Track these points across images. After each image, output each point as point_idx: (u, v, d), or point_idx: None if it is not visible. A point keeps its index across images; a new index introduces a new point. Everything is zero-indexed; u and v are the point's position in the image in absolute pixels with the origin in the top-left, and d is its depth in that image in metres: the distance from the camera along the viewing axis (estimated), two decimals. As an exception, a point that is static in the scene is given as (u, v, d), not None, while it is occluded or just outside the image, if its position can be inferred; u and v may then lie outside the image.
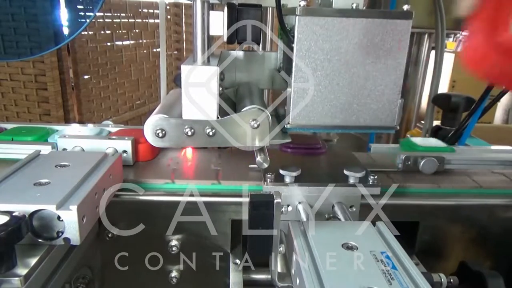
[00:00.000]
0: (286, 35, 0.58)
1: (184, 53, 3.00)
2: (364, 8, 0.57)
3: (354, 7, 0.56)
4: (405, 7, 0.56)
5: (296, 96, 0.58)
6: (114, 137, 0.72)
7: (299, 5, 0.55)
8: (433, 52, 1.22)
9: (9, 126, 0.81)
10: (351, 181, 0.63)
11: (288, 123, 0.59)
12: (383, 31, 0.56)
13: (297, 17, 0.55)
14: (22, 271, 0.42)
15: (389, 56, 0.57)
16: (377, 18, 0.55)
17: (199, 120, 0.54)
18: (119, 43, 2.35)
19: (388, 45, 0.56)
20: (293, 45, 0.56)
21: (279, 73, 0.71)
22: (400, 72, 0.57)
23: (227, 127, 0.55)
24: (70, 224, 0.46)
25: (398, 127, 0.61)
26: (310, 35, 0.55)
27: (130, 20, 2.42)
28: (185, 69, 0.52)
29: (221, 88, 0.56)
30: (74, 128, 0.82)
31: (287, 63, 0.61)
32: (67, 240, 0.46)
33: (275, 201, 0.47)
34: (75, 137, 0.70)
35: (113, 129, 0.82)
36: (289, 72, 0.59)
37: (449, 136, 0.94)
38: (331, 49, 0.56)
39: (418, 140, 0.82)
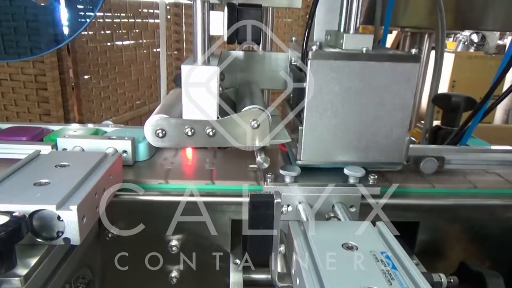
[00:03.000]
0: (299, 70, 0.60)
1: (184, 53, 3.00)
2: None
3: (364, 51, 0.59)
4: (413, 51, 0.59)
5: (307, 134, 0.60)
6: (114, 137, 0.72)
7: (312, 49, 0.57)
8: (433, 52, 1.22)
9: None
10: (351, 181, 0.63)
11: (299, 159, 0.62)
12: (392, 73, 0.58)
13: (309, 60, 0.57)
14: (22, 271, 0.42)
15: (397, 96, 0.59)
16: (386, 62, 0.58)
17: (199, 120, 0.54)
18: (119, 43, 2.35)
19: (396, 86, 0.59)
20: (304, 84, 0.59)
21: (289, 105, 0.72)
22: (407, 111, 0.60)
23: (227, 127, 0.55)
24: (70, 224, 0.46)
25: (405, 162, 0.64)
26: (321, 77, 0.58)
27: (130, 20, 2.42)
28: (185, 69, 0.52)
29: (221, 88, 0.56)
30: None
31: (298, 98, 0.64)
32: (67, 240, 0.46)
33: (275, 201, 0.47)
34: (75, 137, 0.70)
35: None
36: (300, 108, 0.62)
37: (451, 136, 0.94)
38: (341, 90, 0.59)
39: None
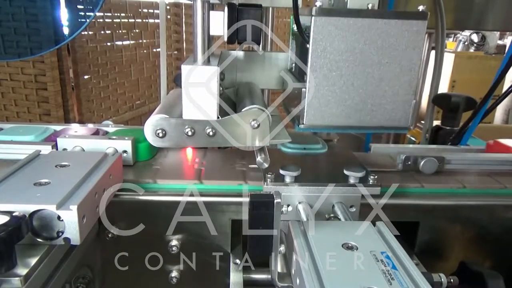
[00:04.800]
0: (302, 35, 0.58)
1: (184, 53, 3.00)
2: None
3: (369, 7, 0.56)
4: (420, 7, 0.56)
5: (310, 96, 0.58)
6: (114, 137, 0.72)
7: (315, 6, 0.55)
8: (433, 52, 1.22)
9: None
10: (351, 181, 0.63)
11: (303, 123, 0.59)
12: (398, 31, 0.56)
13: (312, 17, 0.55)
14: (22, 271, 0.42)
15: (404, 56, 0.57)
16: (392, 19, 0.55)
17: (199, 120, 0.54)
18: (119, 43, 2.35)
19: (403, 45, 0.56)
20: (308, 45, 0.56)
21: (291, 73, 0.70)
22: (414, 73, 0.58)
23: (227, 127, 0.55)
24: (70, 224, 0.46)
25: (412, 127, 0.61)
26: (325, 35, 0.56)
27: (130, 20, 2.42)
28: (185, 69, 0.52)
29: (221, 88, 0.56)
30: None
31: (300, 63, 0.62)
32: (67, 240, 0.46)
33: (275, 201, 0.47)
34: (75, 137, 0.70)
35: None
36: (302, 73, 0.59)
37: (452, 137, 0.94)
38: (346, 50, 0.56)
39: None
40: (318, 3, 0.55)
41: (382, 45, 0.56)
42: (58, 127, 0.82)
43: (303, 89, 0.58)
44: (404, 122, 0.60)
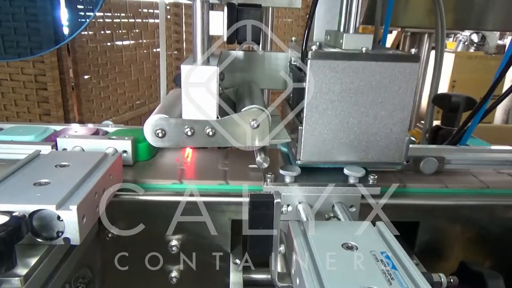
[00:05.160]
0: (299, 70, 0.60)
1: (184, 53, 3.00)
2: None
3: (363, 51, 0.58)
4: (413, 50, 0.60)
5: (307, 134, 0.60)
6: (114, 137, 0.72)
7: (311, 49, 0.57)
8: (433, 52, 1.22)
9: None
10: (351, 181, 0.63)
11: (299, 159, 0.62)
12: (391, 73, 0.58)
13: (309, 60, 0.57)
14: (22, 271, 0.42)
15: (397, 96, 0.59)
16: (385, 61, 0.58)
17: (199, 120, 0.54)
18: (119, 43, 2.35)
19: (396, 86, 0.59)
20: (304, 84, 0.58)
21: (289, 105, 0.72)
22: (407, 111, 0.60)
23: (227, 127, 0.55)
24: (70, 224, 0.46)
25: (405, 163, 0.63)
26: (321, 77, 0.58)
27: (130, 20, 2.42)
28: (185, 69, 0.52)
29: (221, 88, 0.56)
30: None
31: (297, 98, 0.64)
32: (67, 240, 0.46)
33: (275, 201, 0.47)
34: (75, 137, 0.70)
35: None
36: (300, 108, 0.61)
37: (451, 136, 0.94)
38: (341, 90, 0.58)
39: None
40: (313, 47, 0.58)
41: (376, 86, 0.58)
42: (58, 127, 0.82)
43: (299, 127, 0.60)
44: (398, 158, 0.63)
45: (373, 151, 0.62)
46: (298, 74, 0.64)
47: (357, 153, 0.62)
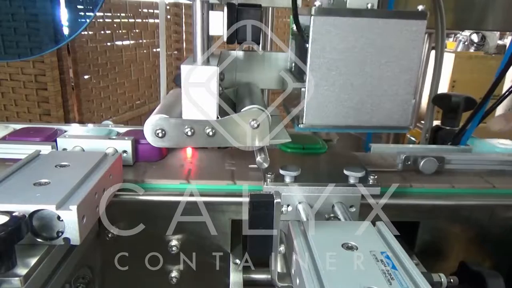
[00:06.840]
0: (301, 35, 0.58)
1: (184, 53, 3.00)
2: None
3: (369, 7, 0.56)
4: (420, 7, 0.56)
5: (310, 96, 0.58)
6: (114, 137, 0.72)
7: (314, 5, 0.55)
8: (433, 52, 1.21)
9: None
10: (351, 181, 0.63)
11: (302, 123, 0.59)
12: (398, 31, 0.56)
13: (312, 17, 0.55)
14: (22, 271, 0.42)
15: (403, 56, 0.57)
16: (391, 18, 0.55)
17: (199, 120, 0.54)
18: (119, 43, 2.35)
19: (402, 45, 0.56)
20: (307, 45, 0.56)
21: (290, 73, 0.70)
22: (414, 72, 0.58)
23: (227, 127, 0.55)
24: (70, 224, 0.46)
25: (412, 127, 0.61)
26: (324, 35, 0.55)
27: (130, 20, 2.41)
28: (185, 69, 0.52)
29: (221, 88, 0.56)
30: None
31: (300, 63, 0.62)
32: (67, 240, 0.46)
33: (275, 201, 0.47)
34: (75, 137, 0.70)
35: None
36: (301, 72, 0.59)
37: (453, 137, 0.93)
38: (345, 49, 0.56)
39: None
40: (317, 3, 0.55)
41: (381, 45, 0.56)
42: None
43: (302, 89, 0.58)
44: (404, 121, 0.60)
45: (378, 115, 0.59)
46: (299, 40, 0.62)
47: (362, 116, 0.59)
